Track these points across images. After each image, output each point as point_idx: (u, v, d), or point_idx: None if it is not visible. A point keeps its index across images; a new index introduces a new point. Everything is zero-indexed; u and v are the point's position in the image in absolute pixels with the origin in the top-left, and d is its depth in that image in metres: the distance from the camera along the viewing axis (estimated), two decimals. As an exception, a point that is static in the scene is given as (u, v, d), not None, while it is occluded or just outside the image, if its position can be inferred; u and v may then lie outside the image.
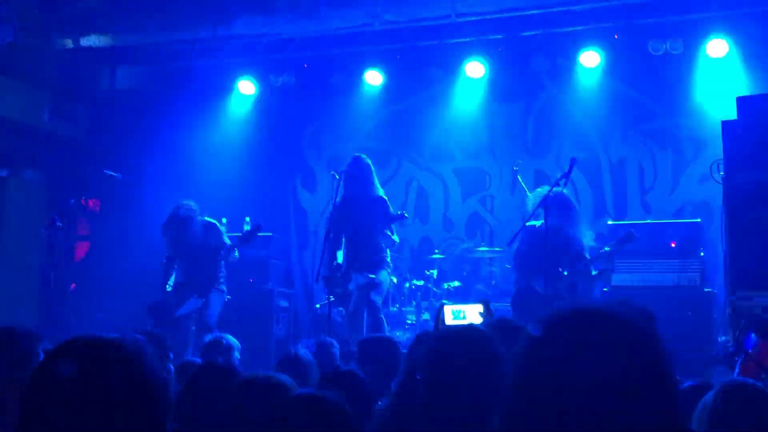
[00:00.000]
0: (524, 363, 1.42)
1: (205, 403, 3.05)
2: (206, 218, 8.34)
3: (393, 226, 7.97)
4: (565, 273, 7.44)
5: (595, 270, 7.67)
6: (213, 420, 2.85)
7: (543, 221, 7.45)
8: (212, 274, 8.17)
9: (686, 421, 1.43)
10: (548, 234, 6.81)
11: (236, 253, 8.21)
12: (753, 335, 4.22)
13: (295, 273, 11.03)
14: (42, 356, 3.09)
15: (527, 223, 7.44)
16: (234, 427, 2.35)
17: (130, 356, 1.66)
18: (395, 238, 8.04)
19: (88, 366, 1.62)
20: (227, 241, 8.18)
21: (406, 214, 8.04)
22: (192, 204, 8.29)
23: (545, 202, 7.04)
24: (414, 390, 2.56)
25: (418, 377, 2.54)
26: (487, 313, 2.76)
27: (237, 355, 5.31)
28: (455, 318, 2.76)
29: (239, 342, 5.47)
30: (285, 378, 2.93)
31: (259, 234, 8.19)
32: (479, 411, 2.37)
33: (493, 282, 9.37)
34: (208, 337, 5.62)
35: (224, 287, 8.30)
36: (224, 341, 5.36)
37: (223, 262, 8.25)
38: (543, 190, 7.74)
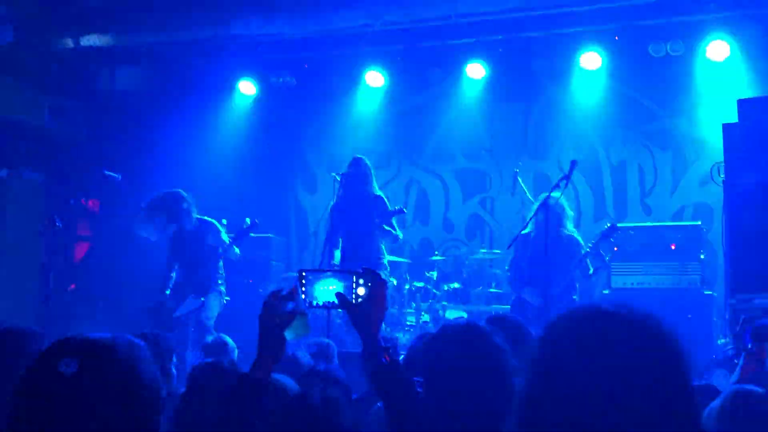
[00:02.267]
0: (539, 366, 1.41)
1: (205, 404, 3.04)
2: (204, 217, 8.32)
3: (394, 221, 7.99)
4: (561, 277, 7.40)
5: (591, 267, 7.66)
6: (212, 421, 2.84)
7: (531, 230, 7.46)
8: (210, 275, 8.14)
9: (699, 422, 1.42)
10: (546, 243, 6.80)
11: (237, 250, 8.17)
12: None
13: (296, 274, 11.01)
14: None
15: (522, 232, 7.46)
16: (233, 427, 2.34)
17: (121, 356, 1.66)
18: (399, 233, 8.04)
19: (80, 366, 1.62)
20: (226, 239, 8.16)
21: (404, 209, 8.07)
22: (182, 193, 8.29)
23: (538, 212, 7.07)
24: (414, 390, 2.54)
25: (418, 379, 2.52)
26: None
27: (236, 355, 5.31)
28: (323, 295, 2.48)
29: (239, 343, 5.46)
30: (284, 378, 2.92)
31: (254, 231, 8.14)
32: (482, 410, 2.36)
33: (494, 284, 9.35)
34: (210, 338, 5.61)
35: (223, 288, 8.27)
36: (227, 343, 5.35)
37: (221, 263, 8.22)
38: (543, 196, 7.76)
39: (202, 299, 8.03)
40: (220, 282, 8.22)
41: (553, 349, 1.41)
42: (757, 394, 2.90)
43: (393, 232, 7.94)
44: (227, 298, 8.33)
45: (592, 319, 1.41)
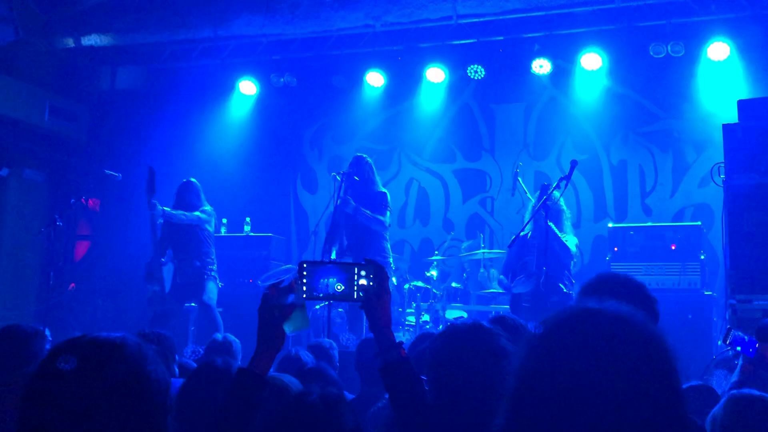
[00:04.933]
0: (528, 363, 1.41)
1: (204, 403, 3.04)
2: (204, 208, 8.46)
3: (386, 205, 7.99)
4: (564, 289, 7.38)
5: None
6: (213, 420, 2.84)
7: (527, 232, 7.43)
8: (204, 265, 8.30)
9: (690, 420, 1.43)
10: (547, 244, 6.77)
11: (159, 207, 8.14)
12: (745, 338, 4.19)
13: (295, 274, 10.99)
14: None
15: (521, 233, 7.44)
16: (233, 420, 2.35)
17: (130, 356, 1.66)
18: (384, 219, 7.92)
19: (89, 365, 1.62)
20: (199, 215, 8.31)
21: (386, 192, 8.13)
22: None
23: (537, 213, 7.06)
24: (415, 390, 2.54)
25: (423, 377, 2.52)
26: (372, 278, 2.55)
27: (239, 358, 5.30)
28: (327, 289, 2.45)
29: (240, 342, 5.46)
30: (287, 377, 2.93)
31: (152, 179, 8.08)
32: (487, 411, 2.36)
33: (494, 284, 9.35)
34: (216, 337, 5.59)
35: (215, 274, 8.41)
36: (233, 343, 5.34)
37: (213, 250, 8.36)
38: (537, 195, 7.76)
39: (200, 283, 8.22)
40: (213, 268, 8.37)
41: (538, 348, 1.42)
42: (759, 399, 2.91)
43: (376, 216, 7.82)
44: (221, 284, 8.48)
45: (576, 320, 1.42)
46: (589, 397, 1.32)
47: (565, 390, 1.33)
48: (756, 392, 3.00)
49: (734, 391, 3.06)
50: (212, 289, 8.31)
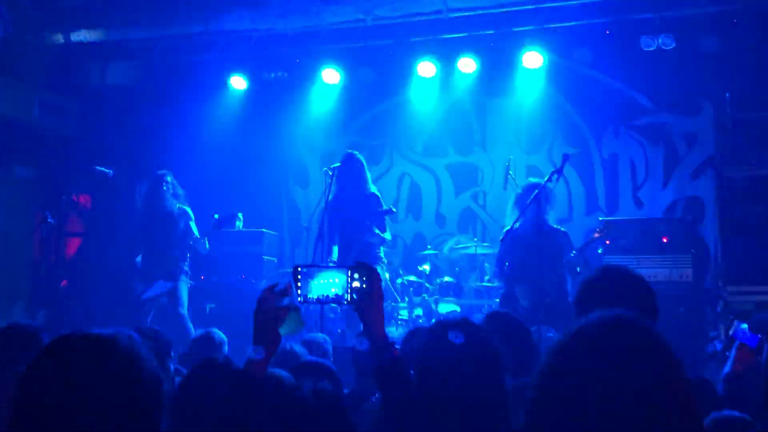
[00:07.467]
0: (549, 373, 1.43)
1: (201, 400, 3.04)
2: (179, 206, 8.44)
3: (386, 222, 7.99)
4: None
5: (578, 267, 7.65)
6: (210, 416, 2.83)
7: (518, 223, 7.44)
8: (179, 259, 8.28)
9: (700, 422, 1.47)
10: (537, 234, 6.78)
11: (206, 244, 8.22)
12: (745, 327, 4.21)
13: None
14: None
15: (513, 226, 7.43)
16: (230, 423, 2.35)
17: (123, 353, 1.66)
18: (387, 236, 8.05)
19: (82, 362, 1.62)
20: (195, 231, 8.26)
21: (393, 209, 8.06)
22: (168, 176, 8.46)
23: (522, 202, 7.08)
24: (407, 390, 2.54)
25: (411, 372, 2.53)
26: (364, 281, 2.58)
27: (225, 349, 5.30)
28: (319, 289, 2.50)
29: (230, 338, 5.46)
30: (280, 372, 2.92)
31: (223, 226, 8.19)
32: (472, 406, 2.36)
33: (486, 278, 9.36)
34: (198, 332, 5.60)
35: (188, 272, 8.40)
36: (216, 337, 5.34)
37: (187, 252, 8.34)
38: (530, 181, 7.75)
39: (171, 284, 8.16)
40: (185, 268, 8.36)
41: (559, 359, 1.44)
42: (738, 420, 2.92)
43: (381, 234, 7.93)
44: (191, 283, 8.49)
45: (596, 331, 1.44)
46: (610, 406, 1.35)
47: (584, 401, 1.36)
48: (738, 414, 3.03)
49: (716, 414, 3.07)
50: (184, 293, 8.33)
